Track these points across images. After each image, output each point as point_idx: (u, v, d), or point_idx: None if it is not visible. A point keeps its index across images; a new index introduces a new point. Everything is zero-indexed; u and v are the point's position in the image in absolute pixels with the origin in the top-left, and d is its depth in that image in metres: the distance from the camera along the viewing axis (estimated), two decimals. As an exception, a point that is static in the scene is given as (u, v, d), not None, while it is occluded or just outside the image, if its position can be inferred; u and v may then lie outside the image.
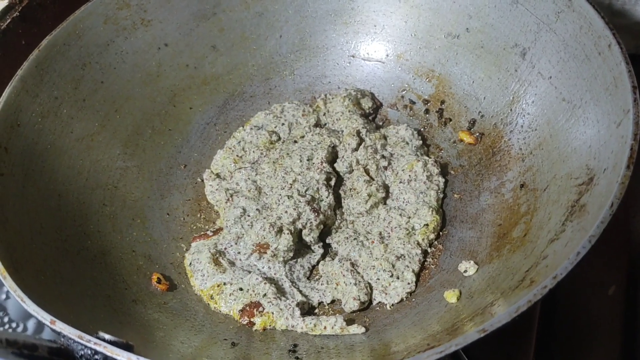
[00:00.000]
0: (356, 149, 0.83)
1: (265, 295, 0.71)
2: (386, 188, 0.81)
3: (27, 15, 0.91)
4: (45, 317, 0.53)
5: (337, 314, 0.71)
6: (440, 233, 0.78)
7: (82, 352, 0.51)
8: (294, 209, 0.77)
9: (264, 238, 0.76)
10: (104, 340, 0.50)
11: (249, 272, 0.75)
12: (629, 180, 0.56)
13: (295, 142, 0.87)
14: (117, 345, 0.50)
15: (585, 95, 0.69)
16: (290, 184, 0.80)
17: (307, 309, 0.73)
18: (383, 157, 0.83)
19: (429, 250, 0.76)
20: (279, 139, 0.88)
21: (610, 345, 0.76)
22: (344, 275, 0.73)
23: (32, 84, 0.77)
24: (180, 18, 0.90)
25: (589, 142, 0.66)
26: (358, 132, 0.85)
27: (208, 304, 0.73)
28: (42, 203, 0.72)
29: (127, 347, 0.51)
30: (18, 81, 0.75)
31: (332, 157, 0.84)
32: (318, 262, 0.78)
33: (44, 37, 0.80)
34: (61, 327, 0.52)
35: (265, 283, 0.72)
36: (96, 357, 0.50)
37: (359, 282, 0.73)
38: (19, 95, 0.75)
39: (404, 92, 0.91)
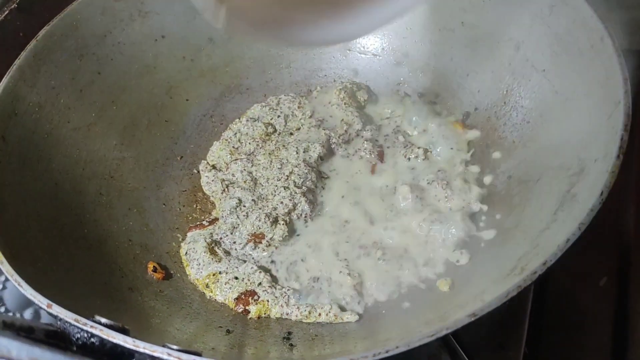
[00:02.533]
0: (350, 142, 0.84)
1: (260, 284, 0.72)
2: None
3: (24, 6, 0.91)
4: (42, 301, 0.54)
5: (332, 302, 0.72)
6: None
7: (79, 335, 0.51)
8: (290, 200, 0.78)
9: (259, 228, 0.77)
10: (100, 323, 0.51)
11: (244, 261, 0.75)
12: (621, 172, 0.57)
13: (291, 134, 0.88)
14: (113, 328, 0.51)
15: (577, 88, 0.69)
16: (287, 176, 0.81)
17: (302, 298, 0.74)
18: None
19: (422, 241, 0.77)
20: (275, 131, 0.89)
21: (600, 336, 0.77)
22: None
23: (30, 74, 0.77)
24: (177, 10, 0.90)
25: (581, 134, 0.66)
26: (353, 124, 0.86)
27: (203, 292, 0.74)
28: (39, 192, 0.72)
29: (123, 331, 0.51)
30: (16, 71, 0.76)
31: (329, 150, 0.85)
32: (313, 252, 0.79)
33: (41, 28, 0.80)
34: (58, 310, 0.52)
35: (260, 272, 0.73)
36: (92, 340, 0.51)
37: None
38: (17, 85, 0.75)
39: (399, 86, 0.92)
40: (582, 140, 0.66)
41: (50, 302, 0.53)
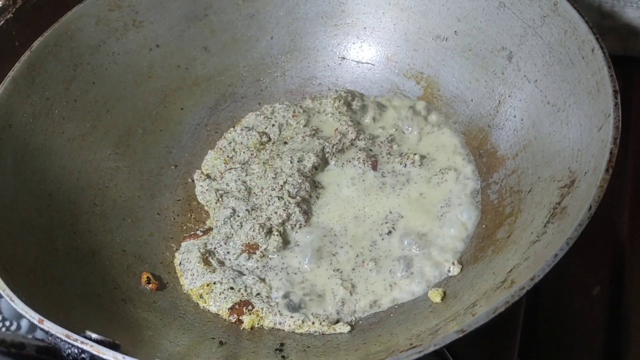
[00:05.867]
0: (345, 151, 0.85)
1: (258, 294, 0.73)
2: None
3: (20, 17, 0.92)
4: (33, 316, 0.54)
5: (325, 312, 0.72)
6: (427, 234, 0.79)
7: (69, 351, 0.52)
8: (284, 210, 0.78)
9: (254, 238, 0.77)
10: (90, 339, 0.51)
11: (240, 272, 0.76)
12: (614, 181, 0.57)
13: (286, 143, 0.88)
14: (103, 344, 0.51)
15: (569, 98, 0.70)
16: (281, 185, 0.81)
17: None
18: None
19: (415, 250, 0.77)
20: (269, 140, 0.89)
21: (593, 345, 0.77)
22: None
23: (24, 85, 0.77)
24: (171, 19, 0.91)
25: (572, 145, 0.67)
26: (347, 134, 0.86)
27: (197, 303, 0.74)
28: (33, 203, 0.72)
29: (114, 346, 0.52)
30: (10, 82, 0.76)
31: (323, 159, 0.85)
32: (306, 262, 0.79)
33: (37, 38, 0.81)
34: (49, 326, 0.52)
35: (261, 282, 0.74)
36: (83, 355, 0.51)
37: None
38: (11, 96, 0.75)
39: (393, 94, 0.92)
40: (573, 151, 0.66)
41: (42, 318, 0.53)
